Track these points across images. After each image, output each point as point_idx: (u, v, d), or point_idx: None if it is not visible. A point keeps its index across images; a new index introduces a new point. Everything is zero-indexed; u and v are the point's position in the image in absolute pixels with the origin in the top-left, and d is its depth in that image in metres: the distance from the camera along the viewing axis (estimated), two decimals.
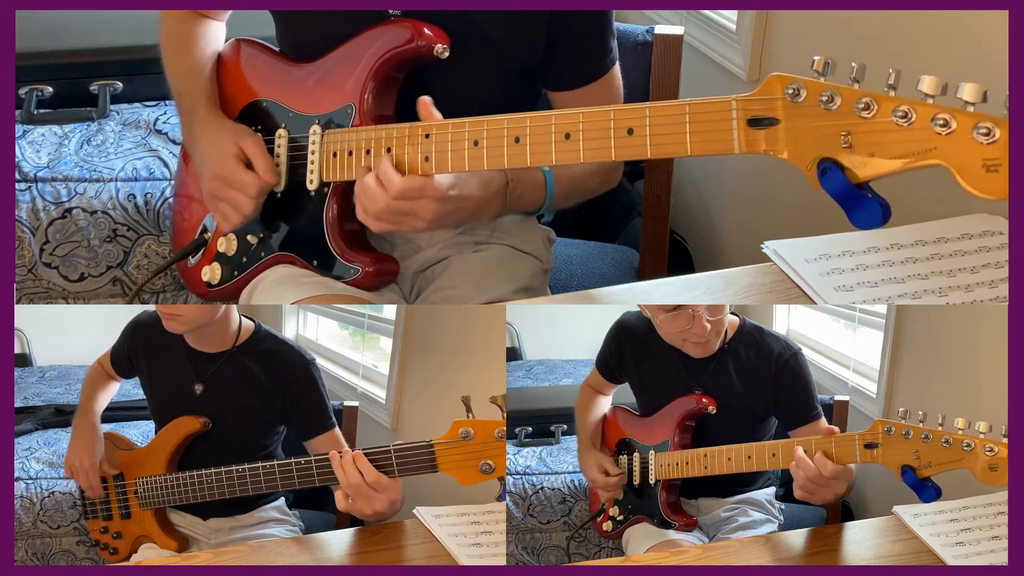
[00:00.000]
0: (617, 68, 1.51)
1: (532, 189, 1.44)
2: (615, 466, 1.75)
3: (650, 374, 1.76)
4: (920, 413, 1.29)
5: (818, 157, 1.00)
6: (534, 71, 1.49)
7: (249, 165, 1.42)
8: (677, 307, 1.56)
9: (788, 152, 1.02)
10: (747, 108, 1.04)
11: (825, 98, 0.99)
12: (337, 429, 1.66)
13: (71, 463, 1.70)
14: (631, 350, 1.77)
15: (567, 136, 1.16)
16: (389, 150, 1.30)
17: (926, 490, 1.28)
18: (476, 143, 1.23)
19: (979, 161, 0.91)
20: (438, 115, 1.28)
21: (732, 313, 1.69)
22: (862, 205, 0.99)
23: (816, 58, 0.99)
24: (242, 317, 1.66)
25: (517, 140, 1.20)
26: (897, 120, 0.95)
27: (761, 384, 1.65)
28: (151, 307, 1.74)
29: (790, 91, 1.01)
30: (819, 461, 1.38)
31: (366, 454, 1.38)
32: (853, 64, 0.98)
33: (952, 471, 1.27)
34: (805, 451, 1.40)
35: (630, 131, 1.12)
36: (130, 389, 2.46)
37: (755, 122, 1.04)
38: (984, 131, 0.91)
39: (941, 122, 0.93)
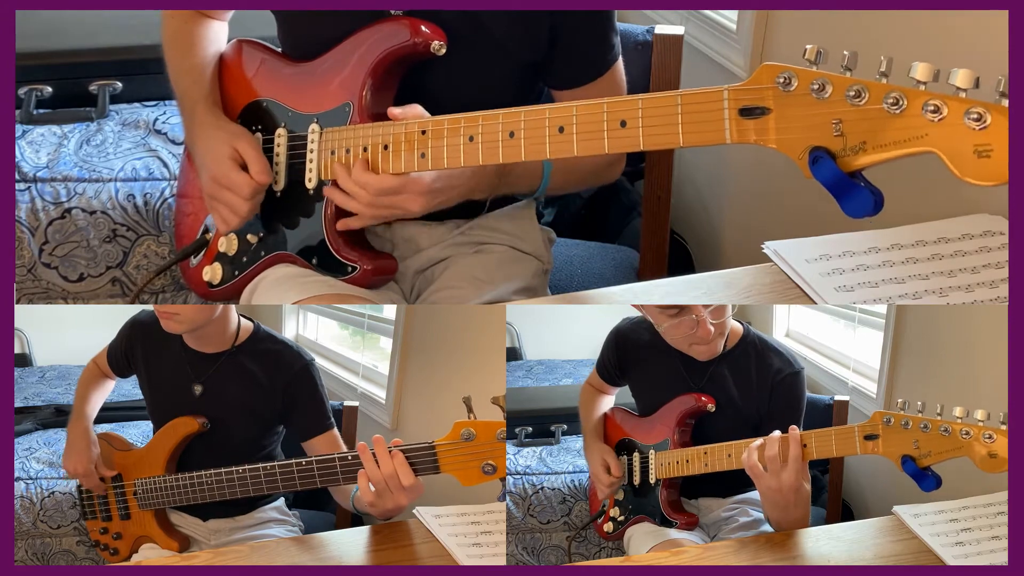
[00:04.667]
0: (620, 64, 1.50)
1: (529, 166, 1.45)
2: (618, 465, 1.75)
3: (650, 378, 1.76)
4: (919, 403, 1.29)
5: (809, 146, 0.99)
6: (536, 69, 1.49)
7: (244, 166, 1.42)
8: (680, 311, 1.55)
9: (778, 141, 1.02)
10: (738, 98, 1.04)
11: (816, 86, 0.98)
12: (335, 430, 1.66)
13: (68, 468, 1.71)
14: (630, 356, 1.77)
15: (561, 130, 1.17)
16: (387, 147, 1.31)
17: (927, 479, 1.29)
18: (471, 138, 1.23)
19: (970, 147, 0.90)
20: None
21: (738, 321, 1.69)
22: (854, 194, 0.97)
23: (808, 47, 0.98)
24: (241, 317, 1.66)
25: (511, 135, 1.20)
26: (888, 107, 0.94)
27: (758, 396, 1.65)
28: (149, 307, 1.73)
29: (781, 80, 1.00)
30: (769, 440, 1.41)
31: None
32: (845, 52, 0.97)
33: (952, 460, 1.28)
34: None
35: (623, 123, 1.12)
36: (130, 389, 2.46)
37: (746, 111, 1.04)
38: (975, 116, 0.90)
39: (932, 108, 0.92)
